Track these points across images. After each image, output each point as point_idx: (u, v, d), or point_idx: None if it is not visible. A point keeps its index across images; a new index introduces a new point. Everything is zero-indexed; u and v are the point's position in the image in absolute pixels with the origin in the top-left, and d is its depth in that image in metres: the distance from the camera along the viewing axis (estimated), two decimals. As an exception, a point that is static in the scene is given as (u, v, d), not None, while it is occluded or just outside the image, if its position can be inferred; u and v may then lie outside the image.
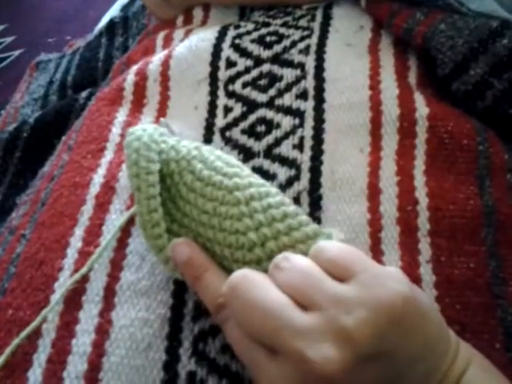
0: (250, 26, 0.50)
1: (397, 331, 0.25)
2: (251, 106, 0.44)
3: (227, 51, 0.48)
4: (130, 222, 0.38)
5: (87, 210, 0.39)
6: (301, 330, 0.25)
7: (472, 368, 0.28)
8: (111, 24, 0.72)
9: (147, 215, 0.33)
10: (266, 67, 0.46)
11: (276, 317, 0.26)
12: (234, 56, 0.47)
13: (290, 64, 0.46)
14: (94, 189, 0.40)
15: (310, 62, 0.45)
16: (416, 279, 0.34)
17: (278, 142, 0.41)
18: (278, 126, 0.42)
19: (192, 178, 0.34)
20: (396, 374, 0.26)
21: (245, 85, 0.45)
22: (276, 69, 0.46)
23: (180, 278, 0.34)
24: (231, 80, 0.46)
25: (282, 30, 0.49)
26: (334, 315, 0.25)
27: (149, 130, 0.36)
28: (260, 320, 0.27)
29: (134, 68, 0.50)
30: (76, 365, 0.33)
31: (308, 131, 0.42)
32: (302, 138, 0.41)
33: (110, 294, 0.35)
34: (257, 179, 0.35)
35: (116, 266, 0.36)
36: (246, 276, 0.29)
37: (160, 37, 0.55)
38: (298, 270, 0.28)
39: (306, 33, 0.48)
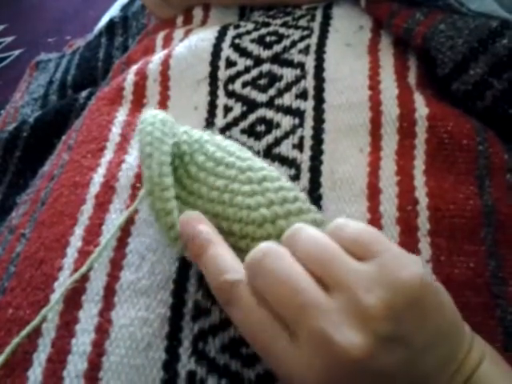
0: (250, 26, 0.50)
1: (414, 313, 0.25)
2: (251, 105, 0.44)
3: (227, 51, 0.48)
4: (130, 221, 0.38)
5: (87, 209, 0.39)
6: (325, 310, 0.25)
7: (487, 361, 0.28)
8: (111, 24, 0.72)
9: (157, 178, 0.32)
10: (265, 67, 0.46)
11: (302, 293, 0.26)
12: (234, 56, 0.47)
13: (289, 64, 0.46)
14: (94, 188, 0.40)
15: (309, 62, 0.46)
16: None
17: (277, 142, 0.41)
18: (278, 125, 0.42)
19: (204, 159, 0.34)
20: (412, 361, 0.26)
21: (244, 84, 0.45)
22: (276, 69, 0.46)
23: (183, 252, 0.33)
24: (231, 80, 0.46)
25: (282, 30, 0.49)
26: (356, 294, 0.25)
27: (163, 113, 0.37)
28: (287, 294, 0.26)
29: (134, 68, 0.50)
30: (76, 364, 0.33)
31: (308, 131, 0.42)
32: (301, 138, 0.41)
33: (109, 293, 0.35)
34: (268, 166, 0.35)
35: (116, 265, 0.36)
36: (271, 248, 0.28)
37: (160, 36, 0.55)
38: (313, 240, 0.28)
39: (305, 33, 0.48)
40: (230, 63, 0.47)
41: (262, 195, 0.32)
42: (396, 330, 0.25)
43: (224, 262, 0.29)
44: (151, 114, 0.36)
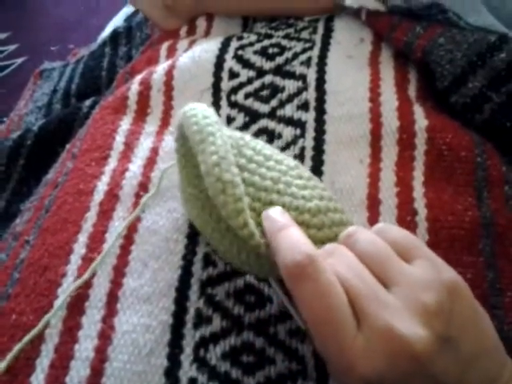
0: (253, 38, 0.51)
1: (457, 314, 0.26)
2: (253, 116, 0.45)
3: (230, 62, 0.48)
4: (133, 229, 0.39)
5: (91, 216, 0.40)
6: (390, 304, 0.26)
7: None
8: (115, 34, 0.73)
9: (224, 153, 0.32)
10: (268, 78, 0.47)
11: (369, 287, 0.27)
12: (237, 67, 0.48)
13: (291, 75, 0.47)
14: (98, 196, 0.41)
15: (311, 74, 0.46)
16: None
17: (279, 153, 0.42)
18: (280, 136, 0.43)
19: (252, 153, 0.34)
20: (460, 371, 0.26)
21: (247, 95, 0.46)
22: (278, 80, 0.46)
23: (236, 216, 0.31)
24: (234, 91, 0.47)
25: (284, 42, 0.50)
26: (414, 292, 0.26)
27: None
28: (357, 284, 0.27)
29: (138, 77, 0.50)
30: (79, 370, 0.33)
31: (309, 142, 0.42)
32: (302, 149, 0.42)
33: (112, 300, 0.35)
34: None
35: (119, 272, 0.37)
36: (337, 247, 0.29)
37: (164, 47, 0.55)
38: (371, 242, 0.29)
39: (307, 45, 0.49)
40: (233, 74, 0.48)
41: (312, 190, 0.33)
42: (448, 330, 0.26)
43: (303, 238, 0.29)
44: (198, 104, 0.35)
